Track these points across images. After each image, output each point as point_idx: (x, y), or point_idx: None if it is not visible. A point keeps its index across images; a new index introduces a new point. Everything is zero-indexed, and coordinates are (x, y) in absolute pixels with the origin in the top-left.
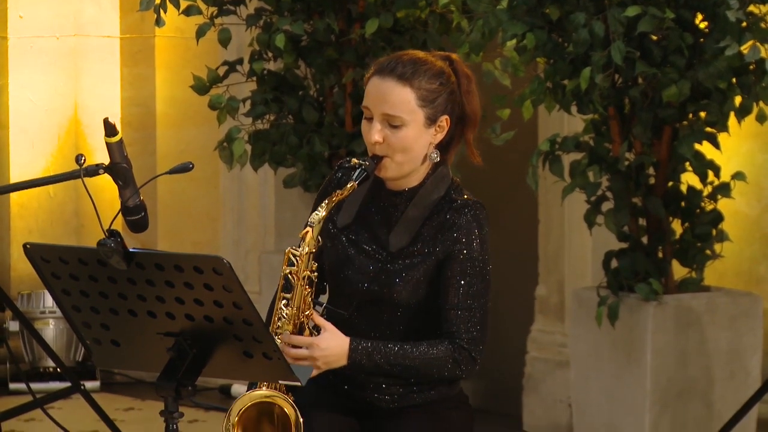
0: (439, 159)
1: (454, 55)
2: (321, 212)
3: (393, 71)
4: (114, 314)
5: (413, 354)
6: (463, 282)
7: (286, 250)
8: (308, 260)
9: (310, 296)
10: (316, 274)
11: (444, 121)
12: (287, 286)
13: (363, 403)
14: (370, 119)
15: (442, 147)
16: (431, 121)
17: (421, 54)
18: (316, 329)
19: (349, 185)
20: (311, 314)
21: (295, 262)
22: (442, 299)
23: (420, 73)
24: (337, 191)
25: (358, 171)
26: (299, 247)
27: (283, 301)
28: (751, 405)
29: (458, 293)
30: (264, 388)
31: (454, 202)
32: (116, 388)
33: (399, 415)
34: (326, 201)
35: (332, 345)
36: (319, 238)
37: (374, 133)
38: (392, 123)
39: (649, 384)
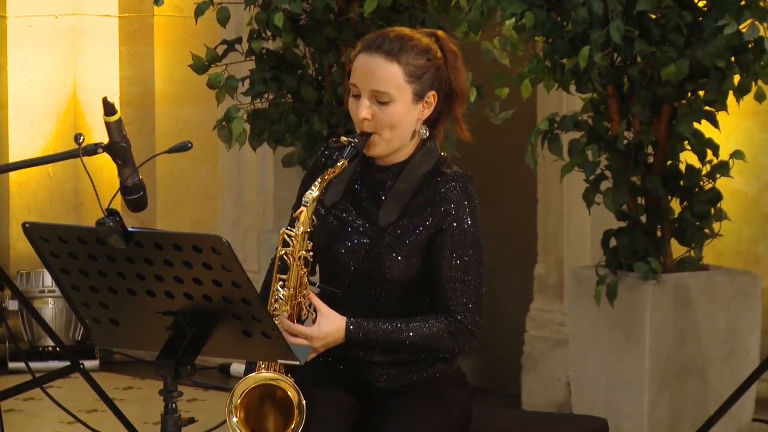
0: (427, 135)
1: (440, 32)
2: (314, 191)
3: (380, 48)
4: (113, 293)
5: (409, 330)
6: (455, 255)
7: (281, 231)
8: (303, 240)
9: (306, 276)
10: (311, 254)
11: (431, 96)
12: (283, 267)
13: (361, 382)
14: (358, 96)
15: (430, 123)
16: (419, 96)
17: (407, 30)
18: (313, 309)
19: (339, 163)
20: (308, 294)
21: (291, 242)
22: (436, 274)
23: (407, 49)
24: (329, 169)
25: (348, 149)
26: (293, 227)
27: (280, 282)
28: (750, 384)
29: (451, 266)
30: (263, 370)
31: (442, 175)
32: (115, 367)
33: (397, 394)
34: (319, 180)
35: (330, 330)
36: (314, 217)
37: (362, 110)
38: (380, 99)
39: (647, 363)
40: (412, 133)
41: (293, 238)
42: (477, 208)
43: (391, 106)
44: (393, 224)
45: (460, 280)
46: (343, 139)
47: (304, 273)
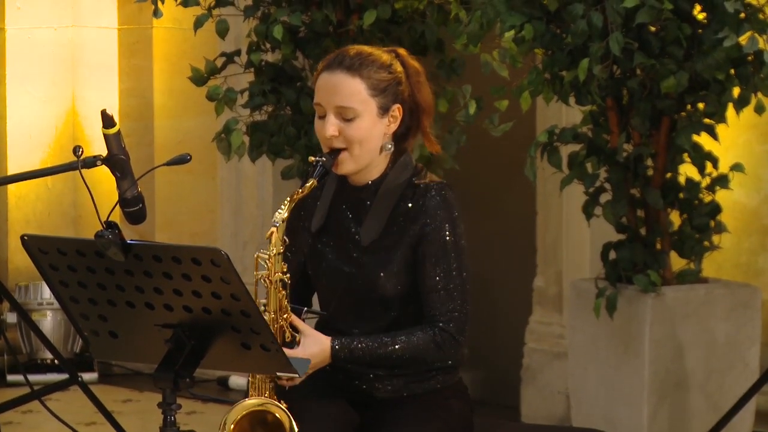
0: (393, 149)
1: (400, 49)
2: (283, 212)
3: (341, 64)
4: (112, 306)
5: (395, 343)
6: (436, 264)
7: (255, 255)
8: (278, 262)
9: (286, 299)
10: (288, 275)
11: (396, 110)
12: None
13: (360, 393)
14: (323, 117)
15: (398, 137)
16: (384, 110)
17: (366, 48)
18: (296, 332)
19: (309, 183)
20: (289, 317)
21: (266, 265)
22: (420, 284)
23: (367, 63)
24: (298, 190)
25: (317, 168)
26: (267, 250)
27: (261, 308)
28: (750, 396)
29: (434, 276)
30: (255, 396)
31: (418, 187)
32: (114, 379)
33: (398, 405)
34: (288, 200)
35: (316, 351)
36: (285, 238)
37: (329, 127)
38: (345, 116)
39: (647, 375)
40: (380, 148)
41: (267, 261)
42: (456, 215)
43: (356, 121)
44: (377, 242)
45: (443, 288)
46: (311, 158)
47: (283, 296)
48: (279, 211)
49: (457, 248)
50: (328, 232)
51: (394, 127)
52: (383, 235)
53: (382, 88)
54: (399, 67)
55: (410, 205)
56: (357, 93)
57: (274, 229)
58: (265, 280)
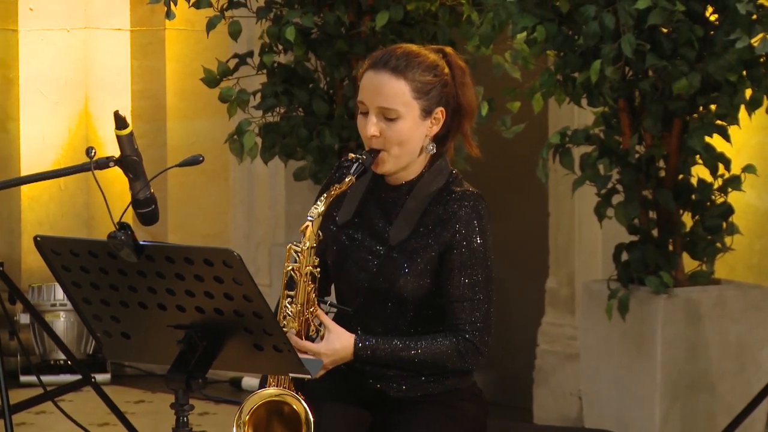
0: (435, 151)
1: (447, 48)
2: (320, 207)
3: (386, 64)
4: (124, 307)
5: (417, 347)
6: (464, 274)
7: (288, 246)
8: (310, 255)
9: (314, 293)
10: (318, 269)
11: (439, 113)
12: (291, 283)
13: (374, 392)
14: (365, 113)
15: (439, 139)
16: (426, 113)
17: (414, 47)
18: (321, 326)
19: (347, 179)
20: (315, 311)
21: (297, 258)
22: (445, 292)
23: (413, 65)
24: (336, 185)
25: (355, 165)
26: (300, 242)
27: (288, 299)
28: (762, 398)
29: (460, 285)
30: (273, 386)
31: (453, 194)
32: (127, 380)
33: (411, 407)
34: (325, 195)
35: (338, 348)
36: (320, 232)
37: (370, 127)
38: (388, 116)
39: (659, 376)
40: (420, 149)
41: (299, 254)
42: (487, 227)
43: (398, 122)
44: (404, 242)
45: (468, 298)
46: (351, 156)
47: (312, 289)
48: (315, 205)
49: (485, 260)
50: (356, 226)
51: (436, 129)
52: (411, 237)
53: (427, 91)
54: (445, 68)
55: (442, 210)
56: (400, 95)
57: (309, 222)
58: (295, 272)
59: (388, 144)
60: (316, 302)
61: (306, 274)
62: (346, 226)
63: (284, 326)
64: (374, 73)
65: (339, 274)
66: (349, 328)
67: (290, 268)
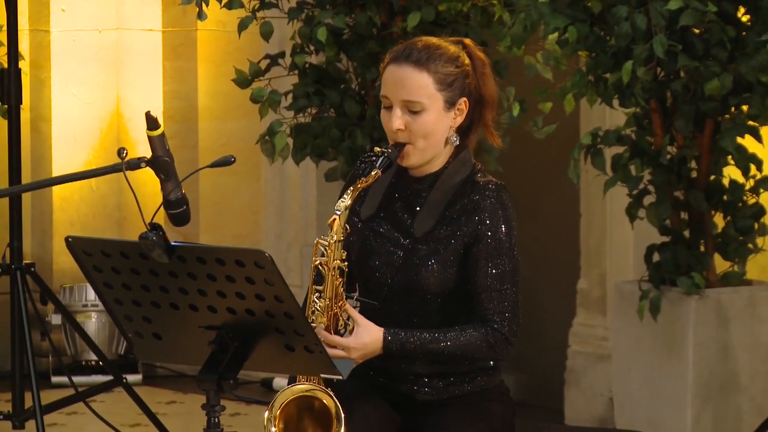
0: (459, 142)
1: (466, 40)
2: (347, 200)
3: (408, 57)
4: (156, 307)
5: (446, 339)
6: (491, 264)
7: (315, 241)
8: (337, 249)
9: (342, 287)
10: (346, 263)
11: (463, 103)
12: (318, 278)
13: (402, 395)
14: (389, 108)
15: (462, 131)
16: (450, 104)
17: (434, 40)
18: (350, 320)
19: (373, 173)
20: (344, 305)
21: (325, 251)
22: (472, 283)
23: (435, 57)
24: (362, 179)
25: (381, 159)
26: (327, 236)
27: (316, 294)
28: None
29: (487, 275)
30: (304, 382)
31: (476, 184)
32: (158, 381)
33: (439, 408)
34: (350, 189)
35: (367, 342)
36: (347, 226)
37: (395, 120)
38: (412, 109)
39: (690, 377)
40: (444, 141)
41: (327, 248)
42: (512, 216)
43: (423, 115)
44: (428, 234)
45: (496, 289)
46: (377, 149)
47: (340, 283)
48: (342, 199)
49: (511, 249)
50: (380, 219)
51: (460, 120)
52: (436, 228)
53: (450, 82)
54: (466, 59)
55: (467, 201)
56: (424, 87)
57: (336, 216)
58: (323, 267)
59: (413, 137)
60: (344, 296)
61: (334, 268)
62: (370, 219)
63: (313, 321)
64: (396, 67)
65: (363, 268)
66: (376, 322)
67: (318, 262)
